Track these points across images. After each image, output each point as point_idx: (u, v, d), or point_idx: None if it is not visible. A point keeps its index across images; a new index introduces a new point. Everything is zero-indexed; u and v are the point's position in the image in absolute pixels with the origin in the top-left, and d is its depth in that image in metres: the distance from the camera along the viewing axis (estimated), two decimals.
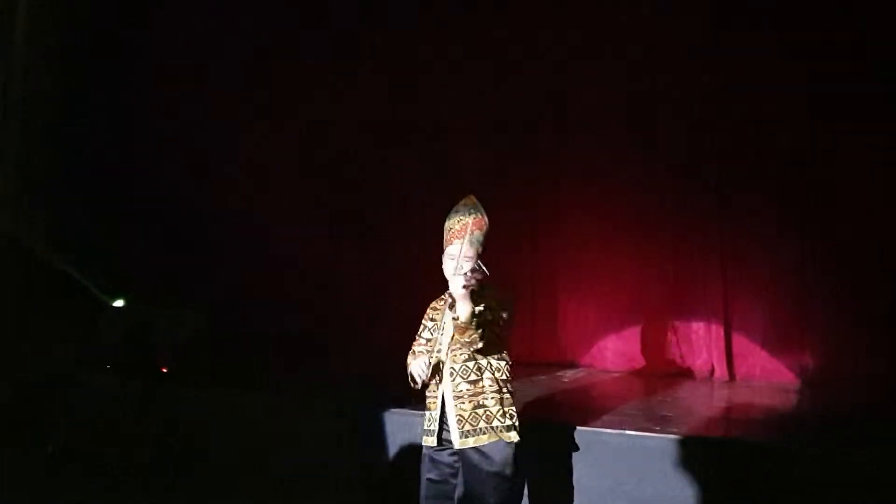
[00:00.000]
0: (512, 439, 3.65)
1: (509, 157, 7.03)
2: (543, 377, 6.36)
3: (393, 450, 4.90)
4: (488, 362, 3.68)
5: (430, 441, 3.72)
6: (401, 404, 4.97)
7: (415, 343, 3.86)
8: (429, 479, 3.74)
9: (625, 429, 4.61)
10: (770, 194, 6.46)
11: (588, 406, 5.54)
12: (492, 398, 3.65)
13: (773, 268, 6.44)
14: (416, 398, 3.88)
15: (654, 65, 6.67)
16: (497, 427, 3.63)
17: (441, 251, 3.75)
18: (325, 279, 7.47)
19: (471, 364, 3.66)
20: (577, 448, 4.46)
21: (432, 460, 3.74)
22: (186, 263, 7.75)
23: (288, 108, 7.69)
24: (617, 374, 6.64)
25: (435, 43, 7.25)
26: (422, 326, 3.86)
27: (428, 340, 3.81)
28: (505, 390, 3.70)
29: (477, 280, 3.44)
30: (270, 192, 7.71)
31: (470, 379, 3.65)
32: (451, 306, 3.52)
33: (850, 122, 6.16)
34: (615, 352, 6.81)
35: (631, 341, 6.75)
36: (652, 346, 6.69)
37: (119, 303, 7.19)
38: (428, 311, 3.90)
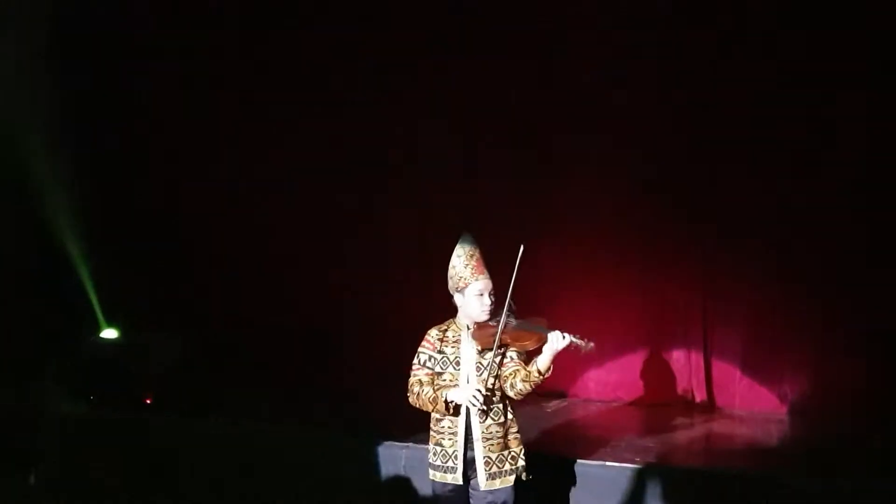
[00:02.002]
0: (528, 478, 3.75)
1: (494, 184, 7.07)
2: (526, 406, 6.33)
3: (381, 482, 4.90)
4: (507, 403, 3.75)
5: (452, 479, 3.69)
6: (387, 436, 4.99)
7: (417, 370, 3.80)
8: None
9: (606, 460, 4.64)
10: (750, 224, 6.51)
11: (569, 436, 5.57)
12: (514, 439, 3.75)
13: (753, 296, 6.47)
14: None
15: (638, 94, 6.72)
16: (520, 468, 3.72)
17: (444, 288, 3.87)
18: (319, 298, 7.49)
19: (500, 406, 3.71)
20: (557, 479, 4.48)
21: (448, 500, 3.75)
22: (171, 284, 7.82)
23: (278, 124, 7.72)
24: (599, 404, 6.64)
25: (428, 53, 7.27)
26: (425, 355, 3.82)
27: (439, 374, 3.77)
28: (519, 429, 3.80)
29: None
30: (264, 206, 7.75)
31: (500, 421, 3.70)
32: (479, 340, 3.66)
33: (830, 153, 6.25)
34: (597, 381, 6.81)
35: (612, 371, 6.75)
36: (633, 375, 6.70)
37: (105, 332, 7.20)
38: (430, 339, 3.85)
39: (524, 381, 3.59)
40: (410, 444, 4.91)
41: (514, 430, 3.76)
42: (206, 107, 7.86)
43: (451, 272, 3.84)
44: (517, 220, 6.79)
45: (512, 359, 3.70)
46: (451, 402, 3.65)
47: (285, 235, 7.64)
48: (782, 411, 6.31)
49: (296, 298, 7.54)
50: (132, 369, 6.32)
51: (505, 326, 3.59)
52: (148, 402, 6.13)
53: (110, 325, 7.54)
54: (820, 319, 6.27)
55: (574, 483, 4.48)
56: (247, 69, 7.78)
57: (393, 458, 4.87)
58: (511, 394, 3.67)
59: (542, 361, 3.56)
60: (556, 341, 3.51)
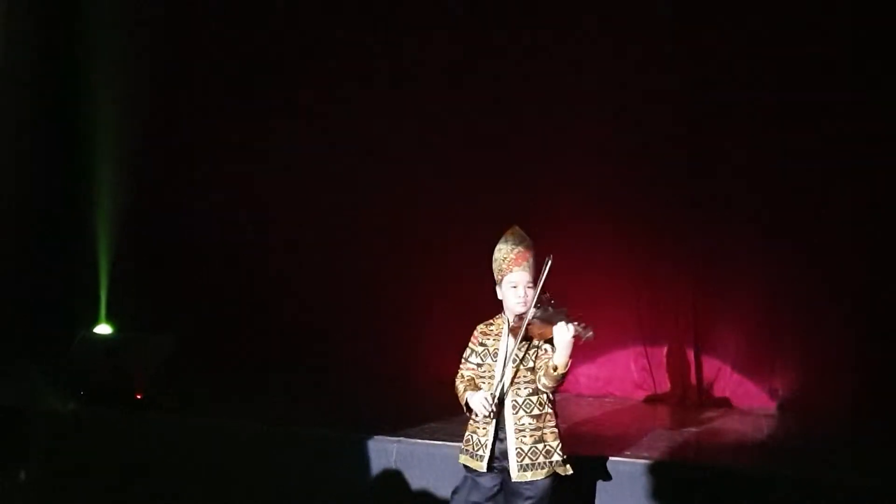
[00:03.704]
0: (568, 472, 3.73)
1: (488, 181, 7.08)
2: None
3: (372, 477, 4.91)
4: (547, 396, 3.74)
5: (478, 465, 3.73)
6: (378, 431, 5.00)
7: (462, 367, 3.85)
8: (472, 503, 3.79)
9: (597, 454, 4.65)
10: (741, 219, 6.54)
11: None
12: (551, 433, 3.72)
13: (744, 292, 6.50)
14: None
15: (626, 89, 6.73)
16: (556, 462, 3.70)
17: (492, 282, 3.84)
18: (309, 295, 7.51)
19: (534, 398, 3.71)
20: None
21: (475, 483, 3.78)
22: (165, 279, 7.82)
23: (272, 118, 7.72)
24: (590, 399, 6.66)
25: (427, 50, 7.30)
26: (469, 350, 3.87)
27: (478, 365, 3.82)
28: (558, 422, 3.79)
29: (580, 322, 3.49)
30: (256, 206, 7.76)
31: (533, 413, 3.70)
32: (514, 332, 3.66)
33: (823, 151, 6.28)
34: (588, 376, 6.82)
35: (603, 366, 6.77)
36: (623, 370, 6.73)
37: (98, 328, 7.18)
38: (476, 335, 3.89)
39: (545, 375, 3.59)
40: (402, 439, 4.93)
41: (552, 423, 3.74)
42: (207, 105, 7.88)
43: (493, 264, 3.86)
44: (511, 217, 6.79)
45: (546, 351, 3.69)
46: (467, 405, 3.71)
47: (285, 234, 7.65)
48: (772, 407, 6.35)
49: (293, 297, 7.56)
50: (124, 365, 6.29)
51: (532, 318, 3.59)
52: (139, 397, 6.11)
53: (108, 320, 7.55)
54: (810, 315, 6.31)
55: (564, 477, 4.48)
56: (245, 67, 7.81)
57: (384, 452, 4.88)
58: (540, 387, 3.66)
59: (556, 356, 3.54)
60: (561, 332, 3.48)
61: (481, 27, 7.15)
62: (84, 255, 7.93)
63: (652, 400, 6.59)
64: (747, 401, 6.44)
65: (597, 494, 4.49)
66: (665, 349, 6.68)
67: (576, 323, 3.45)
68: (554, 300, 3.60)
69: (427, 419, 5.27)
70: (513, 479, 3.67)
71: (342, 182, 7.47)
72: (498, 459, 3.71)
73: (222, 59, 7.85)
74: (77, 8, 7.99)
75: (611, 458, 4.61)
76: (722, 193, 6.59)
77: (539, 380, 3.63)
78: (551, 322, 3.53)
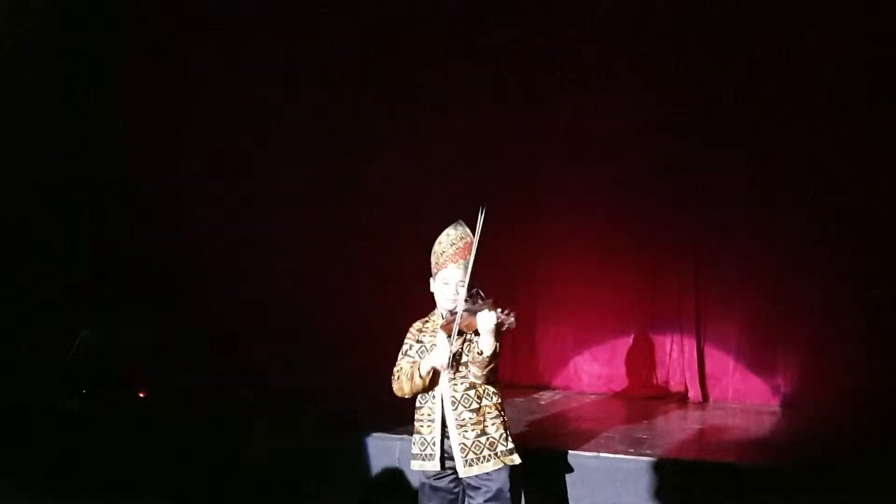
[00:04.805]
0: (515, 462, 3.73)
1: (483, 176, 7.06)
2: (520, 399, 6.38)
3: (376, 475, 4.91)
4: (485, 389, 3.72)
5: (430, 466, 3.71)
6: (377, 429, 4.99)
7: (399, 360, 3.81)
8: None
9: (599, 451, 4.65)
10: (743, 214, 6.54)
11: (563, 428, 5.58)
12: (493, 424, 3.71)
13: (746, 290, 6.51)
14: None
15: (628, 83, 6.74)
16: (501, 452, 3.68)
17: (428, 274, 3.79)
18: (310, 294, 7.50)
19: (471, 392, 3.69)
20: (551, 470, 4.48)
21: (433, 489, 3.75)
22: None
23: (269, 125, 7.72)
24: (592, 397, 6.67)
25: (424, 53, 7.31)
26: (406, 345, 3.82)
27: (415, 362, 3.76)
28: (503, 414, 3.77)
29: (505, 314, 3.48)
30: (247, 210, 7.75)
31: (472, 407, 3.68)
32: (445, 329, 3.59)
33: (826, 148, 6.28)
34: (590, 374, 6.84)
35: (606, 364, 6.79)
36: (626, 368, 6.74)
37: (97, 328, 7.15)
38: (412, 331, 3.86)
39: (473, 363, 3.60)
40: (404, 437, 4.90)
41: (493, 415, 3.71)
42: (207, 107, 7.86)
43: (431, 256, 3.81)
44: (507, 214, 6.81)
45: (477, 343, 3.65)
46: (428, 370, 3.65)
47: (285, 234, 7.63)
48: (775, 403, 6.37)
49: (294, 296, 7.54)
50: (125, 364, 6.29)
51: (462, 313, 3.58)
52: (141, 395, 6.11)
53: (108, 320, 7.52)
54: (813, 312, 6.31)
55: (567, 474, 4.48)
56: (244, 70, 7.80)
57: (387, 450, 4.88)
58: (472, 378, 3.65)
59: (481, 342, 3.55)
60: (484, 319, 3.48)
61: (480, 26, 7.14)
62: (84, 255, 7.90)
63: (654, 397, 6.58)
64: (750, 398, 6.46)
65: (599, 492, 4.48)
66: (667, 346, 6.69)
67: (499, 310, 3.47)
68: (481, 291, 3.61)
69: None
70: (460, 475, 3.66)
71: (342, 183, 7.47)
72: (449, 458, 3.69)
73: (222, 63, 7.84)
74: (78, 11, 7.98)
75: (613, 456, 4.60)
76: (725, 191, 6.59)
77: (470, 370, 3.63)
78: (476, 312, 3.54)
